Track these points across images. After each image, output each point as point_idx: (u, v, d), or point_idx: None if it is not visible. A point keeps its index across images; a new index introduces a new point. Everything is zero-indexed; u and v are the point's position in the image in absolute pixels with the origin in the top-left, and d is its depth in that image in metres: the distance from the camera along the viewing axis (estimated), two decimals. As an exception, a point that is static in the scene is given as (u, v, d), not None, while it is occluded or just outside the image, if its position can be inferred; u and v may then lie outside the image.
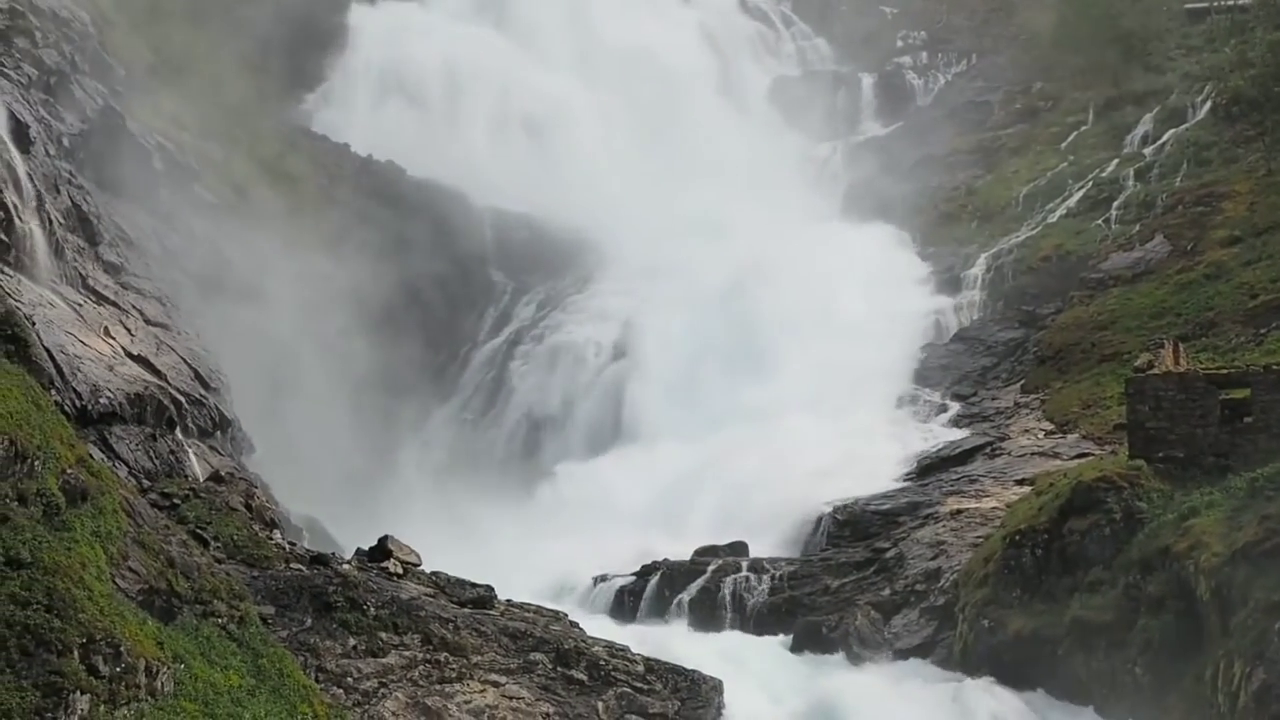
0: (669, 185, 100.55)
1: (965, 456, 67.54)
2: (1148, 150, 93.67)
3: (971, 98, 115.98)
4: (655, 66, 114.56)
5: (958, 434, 70.98)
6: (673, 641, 53.80)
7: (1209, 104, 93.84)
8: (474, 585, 49.08)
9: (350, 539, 58.68)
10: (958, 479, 64.96)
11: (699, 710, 45.71)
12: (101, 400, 50.48)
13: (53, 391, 46.01)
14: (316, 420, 73.84)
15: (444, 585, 48.56)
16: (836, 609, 56.50)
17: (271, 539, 47.98)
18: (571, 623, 49.88)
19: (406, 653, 42.27)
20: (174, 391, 56.28)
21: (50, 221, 57.47)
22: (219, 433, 59.80)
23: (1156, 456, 49.18)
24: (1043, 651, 48.29)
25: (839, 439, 72.05)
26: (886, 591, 57.36)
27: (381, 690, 40.65)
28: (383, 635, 42.27)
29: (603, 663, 45.39)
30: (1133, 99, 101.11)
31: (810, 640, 54.64)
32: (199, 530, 44.38)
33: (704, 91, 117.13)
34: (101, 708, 29.59)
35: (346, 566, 46.96)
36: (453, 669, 42.51)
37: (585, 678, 44.49)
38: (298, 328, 75.93)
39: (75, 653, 29.40)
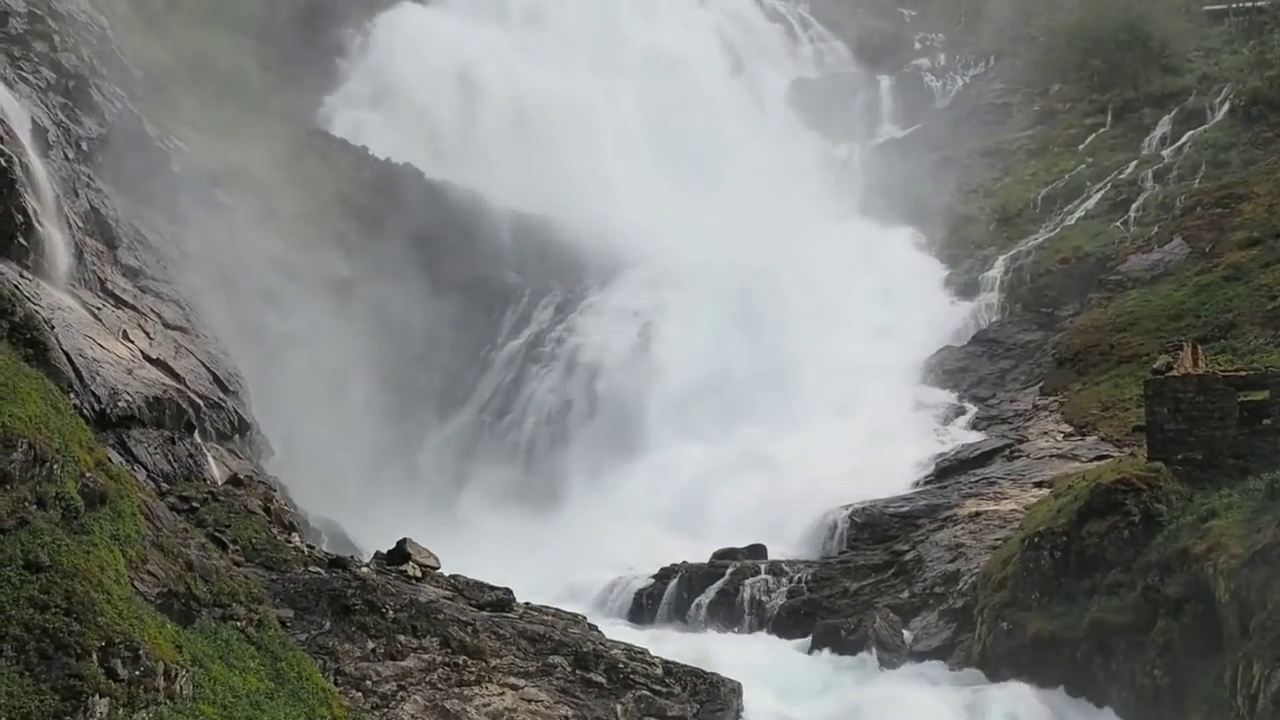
0: (687, 187, 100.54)
1: (983, 459, 67.54)
2: (1166, 152, 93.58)
3: (990, 100, 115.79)
4: (673, 69, 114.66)
5: (976, 436, 70.98)
6: (692, 644, 53.89)
7: (1227, 105, 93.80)
8: (492, 588, 49.20)
9: (369, 542, 58.83)
10: (976, 481, 64.94)
11: (718, 713, 45.73)
12: (120, 404, 50.52)
13: (71, 395, 46.09)
14: (335, 423, 73.92)
15: (462, 588, 48.66)
16: (855, 611, 56.53)
17: (290, 542, 48.06)
18: (590, 625, 50.04)
19: (425, 655, 42.31)
20: (192, 395, 56.34)
21: (69, 225, 57.56)
22: (237, 436, 59.85)
23: (1175, 458, 49.09)
24: (1061, 654, 48.24)
25: (857, 441, 72.15)
26: (905, 594, 57.37)
27: (400, 693, 40.68)
28: (401, 638, 42.31)
29: (621, 665, 45.42)
30: (1151, 101, 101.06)
31: (829, 643, 54.64)
32: (217, 533, 44.47)
33: (722, 94, 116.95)
34: (120, 711, 29.61)
35: (365, 569, 47.07)
36: (471, 672, 42.54)
37: (604, 680, 44.51)
38: (315, 331, 76.07)
39: (94, 656, 29.41)
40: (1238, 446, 48.09)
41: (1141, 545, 47.57)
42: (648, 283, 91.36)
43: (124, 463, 46.50)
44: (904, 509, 63.55)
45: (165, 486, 49.08)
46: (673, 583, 61.31)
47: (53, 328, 48.58)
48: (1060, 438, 67.52)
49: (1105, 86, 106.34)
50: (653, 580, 62.01)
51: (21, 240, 52.83)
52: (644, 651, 47.25)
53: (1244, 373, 51.19)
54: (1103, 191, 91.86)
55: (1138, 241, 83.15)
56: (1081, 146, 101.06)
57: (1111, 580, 48.08)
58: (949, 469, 67.49)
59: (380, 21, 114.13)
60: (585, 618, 51.00)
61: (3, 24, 67.24)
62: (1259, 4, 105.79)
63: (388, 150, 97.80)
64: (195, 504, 47.21)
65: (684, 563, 62.32)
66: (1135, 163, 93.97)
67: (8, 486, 30.96)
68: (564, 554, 65.40)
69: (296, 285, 77.06)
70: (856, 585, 58.94)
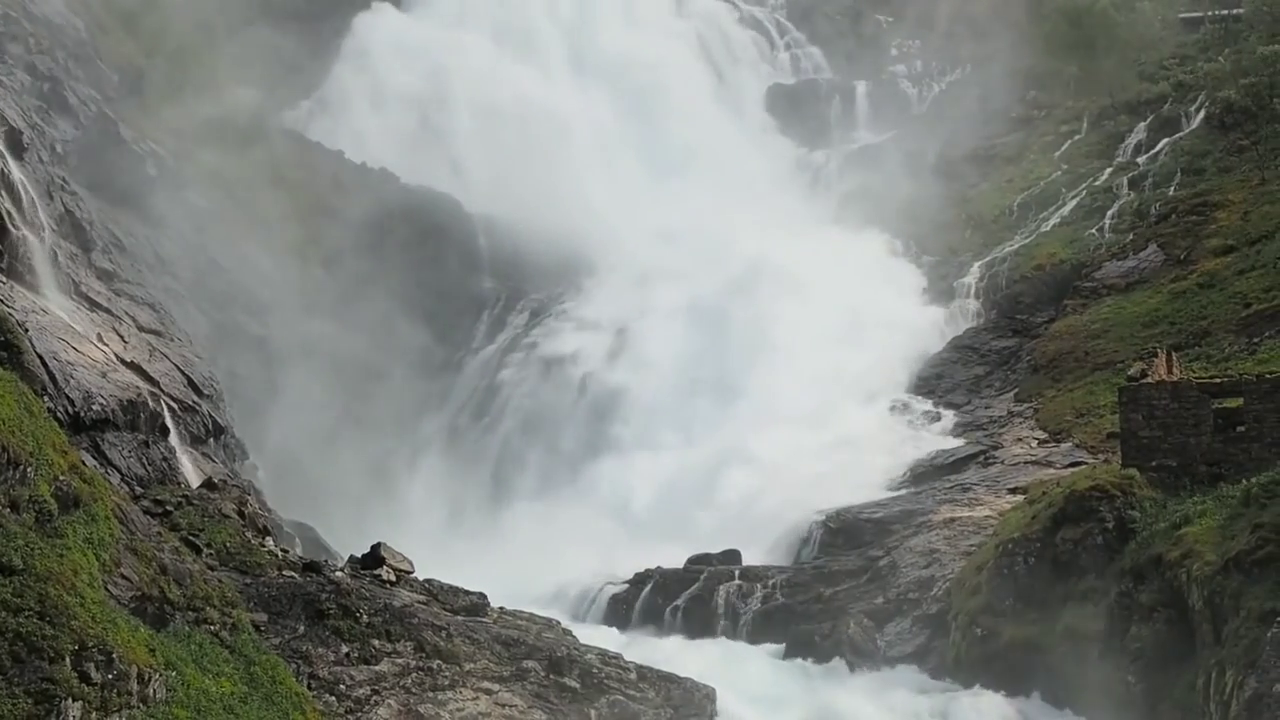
0: (663, 193, 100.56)
1: (958, 465, 67.55)
2: (1142, 159, 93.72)
3: (966, 106, 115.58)
4: (650, 74, 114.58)
5: (951, 442, 70.93)
6: (666, 649, 53.88)
7: (1203, 113, 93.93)
8: (467, 593, 49.14)
9: (344, 546, 58.72)
10: (951, 487, 64.93)
11: (691, 718, 45.72)
12: (94, 407, 50.40)
13: (45, 398, 45.97)
14: (310, 427, 73.76)
15: (437, 592, 48.60)
16: (829, 617, 56.50)
17: (264, 546, 47.96)
18: (564, 630, 50.03)
19: (399, 660, 42.24)
20: (167, 398, 56.22)
21: (44, 228, 57.41)
22: (212, 439, 59.72)
23: (1149, 465, 49.25)
24: (1035, 660, 48.36)
25: (832, 447, 72.03)
26: (879, 600, 57.36)
27: (374, 698, 40.62)
28: (375, 642, 42.25)
29: (595, 670, 45.38)
30: (1127, 108, 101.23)
31: (803, 648, 54.66)
32: (191, 537, 44.35)
33: (699, 99, 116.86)
34: (93, 715, 29.53)
35: (339, 574, 46.98)
36: (445, 676, 42.48)
37: (578, 685, 44.47)
38: (290, 334, 75.89)
39: (67, 660, 29.33)
40: (1212, 453, 48.28)
41: (1115, 552, 47.73)
42: (622, 288, 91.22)
43: (98, 466, 46.39)
44: (878, 514, 63.47)
45: (139, 490, 48.98)
46: (647, 588, 61.25)
47: (27, 330, 48.49)
48: (1035, 444, 67.57)
49: (1081, 93, 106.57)
50: (627, 585, 61.99)
51: (-4, 243, 52.76)
52: (618, 656, 47.24)
53: (1218, 380, 51.32)
54: (1078, 198, 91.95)
55: (1113, 248, 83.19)
56: (1057, 153, 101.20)
57: (1085, 587, 48.21)
58: (924, 475, 67.49)
59: (357, 25, 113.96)
60: (559, 622, 50.99)
61: (-23, 26, 67.17)
62: (1235, 12, 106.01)
63: (363, 154, 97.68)
64: (169, 508, 47.10)
65: (658, 568, 62.27)
66: (1111, 170, 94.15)
67: (-20, 489, 30.91)
68: (538, 558, 65.27)
69: (270, 289, 76.88)
70: (830, 591, 58.89)
